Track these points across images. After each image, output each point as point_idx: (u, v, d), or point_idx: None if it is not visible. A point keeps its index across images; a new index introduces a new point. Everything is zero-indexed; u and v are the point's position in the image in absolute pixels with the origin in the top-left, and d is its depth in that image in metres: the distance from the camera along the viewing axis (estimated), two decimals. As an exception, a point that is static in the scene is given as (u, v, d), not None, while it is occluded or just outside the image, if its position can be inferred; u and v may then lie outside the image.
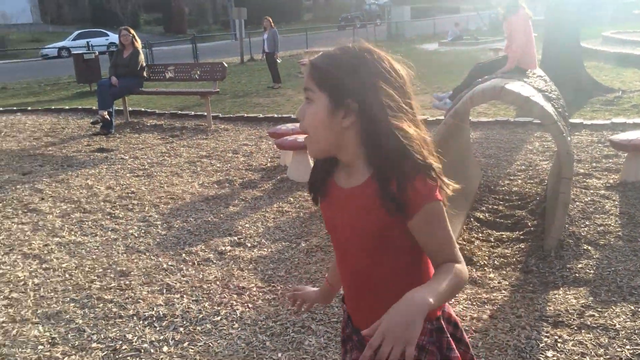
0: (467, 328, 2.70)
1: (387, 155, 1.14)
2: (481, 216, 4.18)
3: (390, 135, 1.13)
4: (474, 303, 2.97)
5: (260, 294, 3.22)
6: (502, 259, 3.49)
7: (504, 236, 3.84)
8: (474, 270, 3.35)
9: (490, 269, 3.37)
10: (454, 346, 1.29)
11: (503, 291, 3.09)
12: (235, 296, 3.21)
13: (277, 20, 13.51)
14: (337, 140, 1.18)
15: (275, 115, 8.67)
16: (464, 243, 3.71)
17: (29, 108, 10.63)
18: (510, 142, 6.32)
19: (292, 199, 4.90)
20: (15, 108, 10.67)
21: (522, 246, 3.65)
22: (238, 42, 21.51)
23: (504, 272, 3.33)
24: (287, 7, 45.86)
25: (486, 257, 3.53)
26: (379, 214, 1.16)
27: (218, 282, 3.38)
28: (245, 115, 8.80)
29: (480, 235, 3.88)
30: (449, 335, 1.29)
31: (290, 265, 3.57)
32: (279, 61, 13.05)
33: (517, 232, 3.87)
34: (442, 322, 1.29)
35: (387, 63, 1.18)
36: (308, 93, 1.19)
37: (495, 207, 4.36)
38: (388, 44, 24.51)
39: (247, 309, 3.05)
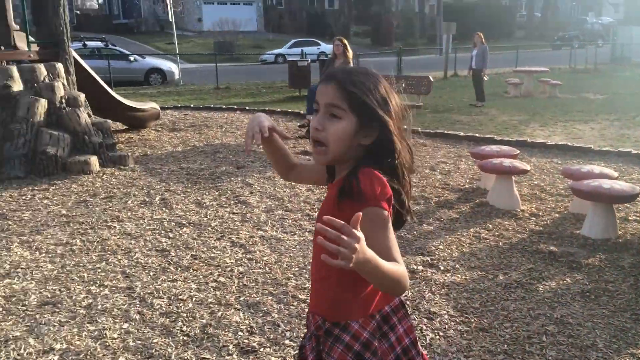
0: None
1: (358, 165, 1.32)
2: None
3: (394, 154, 1.34)
4: None
5: (452, 323, 3.07)
6: None
7: None
8: None
9: None
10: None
11: None
12: (425, 320, 3.11)
13: (487, 36, 13.06)
14: (348, 152, 1.34)
15: (477, 135, 8.36)
16: None
17: (247, 108, 11.70)
18: None
19: (490, 226, 4.64)
20: (235, 107, 11.83)
21: None
22: (443, 57, 21.31)
23: None
24: (498, 24, 44.24)
25: None
26: (332, 204, 1.32)
27: (409, 302, 3.31)
28: (445, 132, 8.63)
29: None
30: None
31: (486, 298, 3.35)
32: (485, 78, 12.60)
33: None
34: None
35: (396, 95, 1.41)
36: (335, 110, 1.32)
37: None
38: (611, 67, 22.24)
39: (437, 337, 2.93)
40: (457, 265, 3.86)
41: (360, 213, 1.11)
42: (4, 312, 3.21)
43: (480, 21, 38.61)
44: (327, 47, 29.73)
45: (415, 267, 3.82)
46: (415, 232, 4.51)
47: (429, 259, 3.97)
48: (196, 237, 4.44)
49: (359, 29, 49.32)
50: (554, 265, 3.85)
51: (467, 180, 6.05)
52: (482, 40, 12.64)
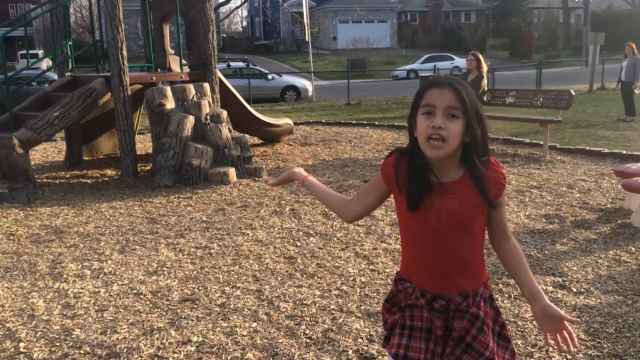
0: None
1: (475, 159, 1.60)
2: None
3: (488, 148, 1.63)
4: None
5: (582, 347, 2.89)
6: None
7: None
8: None
9: None
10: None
11: None
12: (552, 342, 2.96)
13: (639, 46, 12.02)
14: (456, 148, 1.57)
15: (623, 152, 7.72)
16: None
17: (376, 123, 11.86)
18: None
19: (633, 249, 4.28)
20: (365, 122, 12.04)
21: None
22: (588, 69, 19.91)
23: None
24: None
25: None
26: (475, 203, 1.59)
27: (534, 322, 3.17)
28: (587, 148, 8.08)
29: None
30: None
31: (622, 324, 3.11)
32: (636, 92, 11.59)
33: None
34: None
35: None
36: (454, 111, 1.54)
37: None
38: None
39: (564, 360, 2.79)
40: (591, 288, 3.61)
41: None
42: (150, 305, 3.59)
43: (631, 31, 35.51)
44: (461, 61, 29.13)
45: (545, 287, 3.64)
46: (546, 252, 4.29)
47: (560, 280, 3.77)
48: (322, 246, 4.61)
49: (496, 42, 47.70)
50: None
51: (609, 200, 5.62)
52: (634, 50, 11.68)
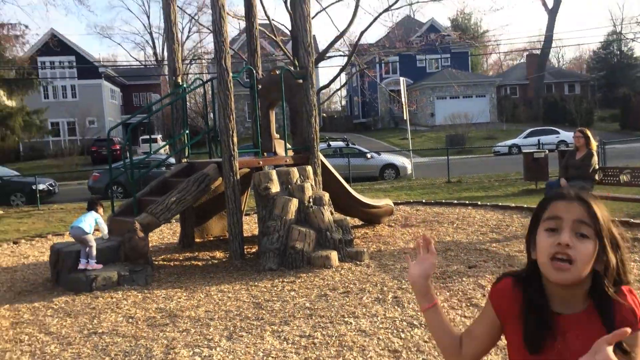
0: None
1: (607, 290, 1.35)
2: None
3: (617, 276, 1.37)
4: None
5: None
6: None
7: None
8: None
9: None
10: None
11: None
12: None
13: None
14: (586, 275, 1.35)
15: None
16: None
17: (479, 203, 11.58)
18: None
19: None
20: (467, 202, 11.80)
21: None
22: None
23: None
24: None
25: None
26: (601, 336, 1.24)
27: None
28: None
29: None
30: None
31: None
32: None
33: None
34: None
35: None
36: (585, 228, 1.34)
37: None
38: None
39: None
40: None
41: (628, 329, 1.19)
42: (257, 396, 3.63)
43: None
44: (567, 135, 28.10)
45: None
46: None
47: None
48: (427, 340, 4.48)
49: (604, 114, 45.69)
50: None
51: None
52: None
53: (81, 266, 6.52)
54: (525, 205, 10.70)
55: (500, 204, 11.25)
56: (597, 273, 1.37)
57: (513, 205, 10.93)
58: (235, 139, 7.72)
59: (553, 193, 1.47)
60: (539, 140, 23.75)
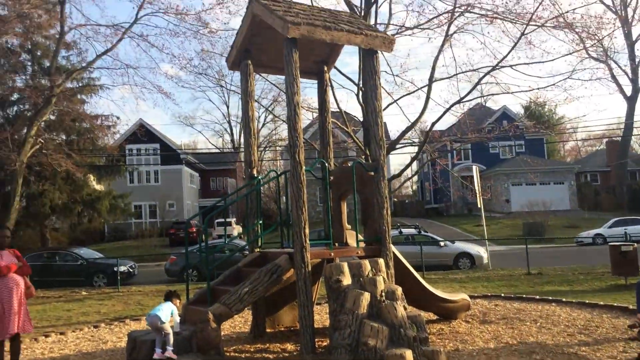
0: None
1: None
2: None
3: None
4: None
5: None
6: None
7: None
8: None
9: None
10: None
11: None
12: None
13: None
14: None
15: None
16: None
17: (564, 299, 10.85)
18: None
19: None
20: (550, 298, 11.10)
21: None
22: None
23: None
24: None
25: None
26: None
27: None
28: None
29: None
30: None
31: None
32: None
33: None
34: None
35: None
36: None
37: None
38: None
39: None
40: None
41: None
42: None
43: None
44: (656, 225, 26.35)
45: None
46: None
47: None
48: None
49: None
50: None
51: None
52: None
53: (156, 356, 6.56)
54: (616, 304, 9.92)
55: (587, 301, 10.49)
56: None
57: (602, 303, 10.15)
58: (307, 231, 7.75)
59: None
60: (625, 231, 22.40)
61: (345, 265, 7.72)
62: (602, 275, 14.97)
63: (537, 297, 11.32)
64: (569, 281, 14.41)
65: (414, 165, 28.52)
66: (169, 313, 6.80)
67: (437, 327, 8.83)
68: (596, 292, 12.22)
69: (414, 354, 6.83)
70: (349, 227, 9.13)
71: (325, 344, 7.87)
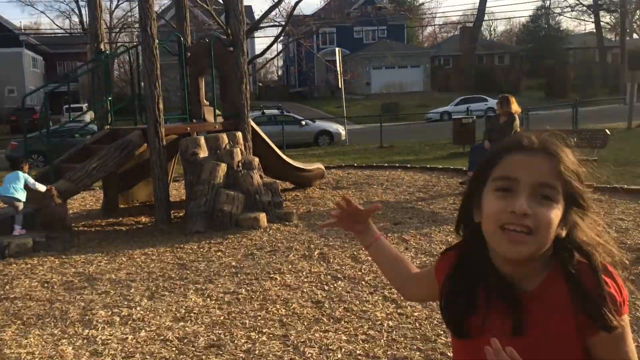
0: None
1: (573, 259, 1.06)
2: None
3: (595, 250, 1.07)
4: None
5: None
6: None
7: None
8: None
9: None
10: None
11: None
12: None
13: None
14: (547, 246, 1.05)
15: (664, 189, 7.48)
16: None
17: (408, 165, 11.83)
18: None
19: (675, 290, 4.09)
20: (397, 165, 12.03)
21: None
22: (627, 107, 19.56)
23: None
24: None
25: None
26: (560, 331, 1.02)
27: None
28: (625, 186, 7.85)
29: None
30: None
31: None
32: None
33: None
34: None
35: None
36: (549, 191, 1.03)
37: None
38: None
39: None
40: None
41: None
42: (176, 351, 3.60)
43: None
44: (494, 103, 28.97)
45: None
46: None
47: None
48: (350, 290, 4.57)
49: (531, 83, 47.43)
50: None
51: (649, 239, 5.42)
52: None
53: (15, 232, 6.35)
54: (452, 167, 11.03)
55: (428, 166, 11.54)
56: (562, 242, 1.07)
57: (440, 167, 11.23)
58: (161, 106, 7.47)
59: (510, 141, 1.10)
60: (468, 108, 24.41)
61: (202, 139, 7.66)
62: (445, 145, 16.40)
63: (386, 165, 12.21)
64: (415, 152, 15.66)
65: (279, 47, 28.12)
66: (21, 184, 6.40)
67: (292, 194, 9.25)
68: (438, 159, 13.44)
69: (267, 217, 7.16)
70: (207, 103, 8.95)
71: (181, 214, 7.94)
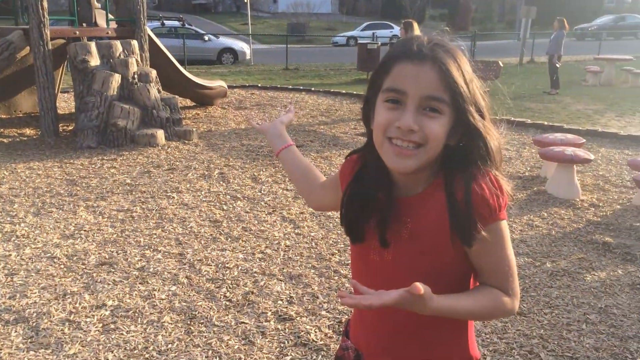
0: None
1: (458, 167, 1.06)
2: None
3: (489, 156, 1.07)
4: None
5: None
6: None
7: None
8: None
9: None
10: None
11: None
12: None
13: (572, 22, 12.41)
14: (434, 157, 1.05)
15: (545, 123, 8.05)
16: None
17: (312, 89, 11.79)
18: None
19: (545, 214, 4.50)
20: (301, 88, 11.95)
21: None
22: (520, 42, 20.51)
23: None
24: (584, 9, 41.96)
25: None
26: (439, 233, 1.04)
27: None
28: (512, 118, 8.36)
29: None
30: None
31: (529, 284, 3.29)
32: (557, 65, 12.02)
33: None
34: None
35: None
36: (436, 103, 1.01)
37: None
38: None
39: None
40: (504, 252, 3.79)
41: (421, 289, 0.92)
42: (64, 269, 3.47)
43: (565, 6, 36.78)
44: (399, 30, 29.31)
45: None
46: (466, 217, 4.44)
47: (476, 244, 3.92)
48: (249, 210, 4.58)
49: (436, 12, 48.22)
50: (606, 256, 3.71)
51: (528, 169, 5.86)
52: (564, 25, 12.04)
53: None
54: (355, 92, 11.14)
55: (332, 90, 11.56)
56: (452, 149, 1.06)
57: (344, 92, 11.30)
58: (45, 4, 6.76)
59: (398, 47, 1.05)
60: (374, 34, 24.50)
61: (93, 45, 7.09)
62: (350, 71, 16.47)
63: (290, 87, 12.08)
64: (320, 75, 15.59)
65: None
66: None
67: (193, 113, 8.96)
68: (342, 84, 13.49)
69: (166, 134, 6.91)
70: (99, 5, 8.22)
71: (70, 128, 7.46)
